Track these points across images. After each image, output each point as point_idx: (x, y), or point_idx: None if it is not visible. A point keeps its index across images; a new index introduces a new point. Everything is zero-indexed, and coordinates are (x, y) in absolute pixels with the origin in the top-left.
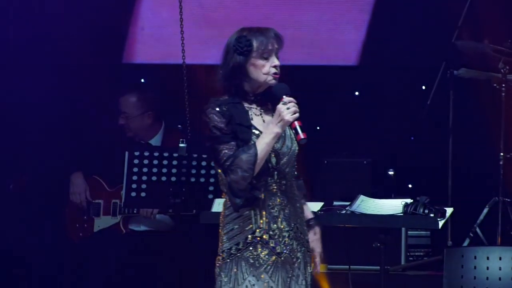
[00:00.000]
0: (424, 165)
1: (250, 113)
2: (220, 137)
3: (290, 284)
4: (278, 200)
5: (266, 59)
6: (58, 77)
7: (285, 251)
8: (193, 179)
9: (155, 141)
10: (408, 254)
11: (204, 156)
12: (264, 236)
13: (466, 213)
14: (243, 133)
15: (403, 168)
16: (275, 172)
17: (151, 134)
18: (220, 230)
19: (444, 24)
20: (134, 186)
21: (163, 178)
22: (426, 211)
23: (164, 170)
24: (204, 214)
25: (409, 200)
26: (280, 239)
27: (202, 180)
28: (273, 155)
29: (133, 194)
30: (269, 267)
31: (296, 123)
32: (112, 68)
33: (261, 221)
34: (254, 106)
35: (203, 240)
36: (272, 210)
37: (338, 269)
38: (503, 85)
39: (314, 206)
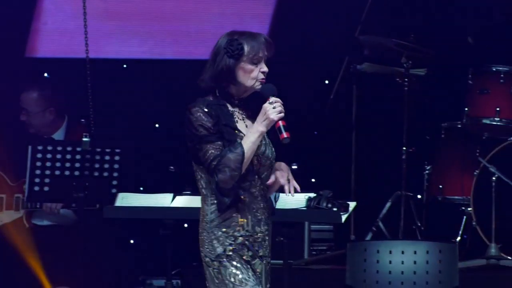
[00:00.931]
0: (327, 159)
1: (234, 116)
2: (206, 136)
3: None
4: (260, 203)
5: (255, 64)
6: None
7: (266, 255)
8: (96, 174)
9: (58, 135)
10: (311, 248)
11: (108, 150)
12: (250, 239)
13: (369, 207)
14: (229, 135)
15: (306, 162)
16: (256, 176)
17: (54, 129)
18: (204, 236)
19: (347, 19)
20: (37, 180)
21: (67, 173)
22: (329, 205)
23: (68, 165)
24: (108, 208)
25: (312, 194)
26: (263, 242)
27: (105, 174)
28: (255, 159)
29: (36, 188)
30: (259, 270)
31: (280, 122)
32: (14, 62)
33: (247, 225)
34: (237, 110)
35: (106, 235)
36: (257, 213)
37: None
38: (406, 79)
39: None
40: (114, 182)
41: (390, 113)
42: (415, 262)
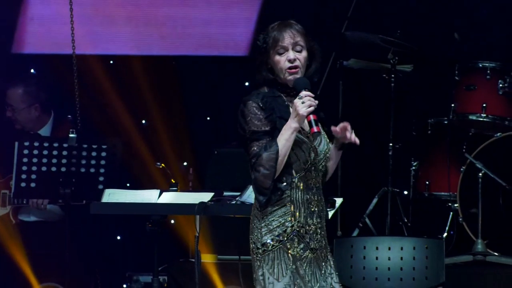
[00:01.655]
0: None
1: (290, 107)
2: (255, 132)
3: (326, 280)
4: (315, 195)
5: (281, 54)
6: None
7: (317, 248)
8: (83, 170)
9: (44, 131)
10: None
11: (94, 146)
12: (301, 231)
13: (355, 203)
14: (283, 126)
15: None
16: (313, 168)
17: (40, 125)
18: (255, 223)
19: (334, 15)
20: (24, 176)
21: (53, 169)
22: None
23: (54, 161)
24: (94, 204)
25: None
26: (314, 235)
27: (92, 170)
28: (312, 151)
29: (23, 184)
30: (304, 262)
31: (311, 116)
32: (0, 58)
33: (299, 215)
34: (293, 100)
35: (93, 230)
36: (310, 205)
37: (228, 259)
38: (392, 75)
39: (204, 197)
40: (101, 178)
41: (376, 109)
42: (401, 258)
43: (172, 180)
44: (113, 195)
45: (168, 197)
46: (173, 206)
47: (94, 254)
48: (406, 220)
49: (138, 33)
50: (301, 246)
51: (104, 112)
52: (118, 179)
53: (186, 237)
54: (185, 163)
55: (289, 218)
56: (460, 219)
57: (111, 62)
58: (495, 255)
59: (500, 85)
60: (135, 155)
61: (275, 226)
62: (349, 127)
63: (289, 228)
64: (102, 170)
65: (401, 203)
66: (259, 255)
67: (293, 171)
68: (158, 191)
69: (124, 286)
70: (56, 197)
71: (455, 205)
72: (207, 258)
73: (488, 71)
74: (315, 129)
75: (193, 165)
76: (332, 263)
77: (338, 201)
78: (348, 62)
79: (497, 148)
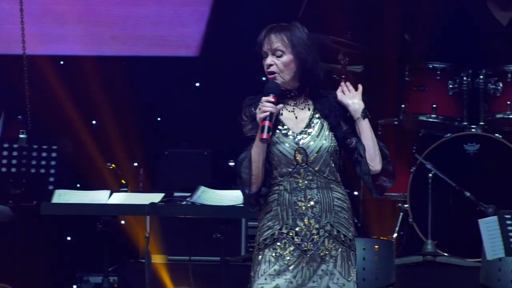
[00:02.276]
0: None
1: (282, 108)
2: (245, 138)
3: (319, 281)
4: (305, 197)
5: (264, 58)
6: None
7: (312, 249)
8: (33, 170)
9: None
10: (248, 245)
11: (45, 147)
12: (290, 233)
13: None
14: None
15: None
16: (302, 170)
17: None
18: (258, 223)
19: (284, 16)
20: None
21: (3, 169)
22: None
23: (4, 161)
24: (45, 205)
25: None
26: (308, 236)
27: (42, 171)
28: (298, 152)
29: None
30: (292, 263)
31: (266, 122)
32: None
33: (287, 218)
34: (289, 101)
35: (43, 231)
36: (298, 207)
37: (178, 260)
38: (343, 76)
39: (155, 197)
40: (51, 179)
41: None
42: None
43: (123, 181)
44: (64, 196)
45: (119, 198)
46: (124, 207)
47: (44, 255)
48: (356, 221)
49: (89, 33)
50: (291, 248)
51: (55, 113)
52: (69, 179)
53: (136, 238)
54: (135, 164)
55: (277, 222)
56: (410, 220)
57: (62, 62)
58: (445, 255)
59: (450, 86)
60: (86, 155)
61: (265, 229)
62: (343, 88)
63: (277, 231)
64: (52, 171)
65: (351, 204)
66: (254, 254)
67: (277, 175)
68: (108, 192)
69: (74, 286)
70: (6, 198)
71: (405, 205)
72: (158, 259)
73: (438, 72)
74: (264, 135)
75: (143, 166)
76: (339, 262)
77: None
78: None
79: (447, 148)
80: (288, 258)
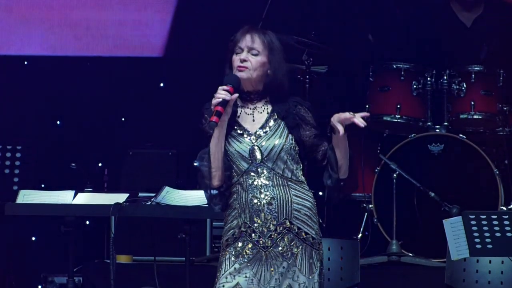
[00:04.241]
0: None
1: (240, 110)
2: (204, 139)
3: (280, 279)
4: (261, 194)
5: (237, 54)
6: None
7: (270, 245)
8: None
9: None
10: (213, 245)
11: (9, 147)
12: (248, 230)
13: None
14: None
15: None
16: (258, 167)
17: None
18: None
19: (248, 16)
20: None
21: None
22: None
23: None
24: (9, 205)
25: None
26: (265, 233)
27: (6, 171)
28: (254, 151)
29: None
30: (251, 261)
31: (218, 108)
32: None
33: (245, 216)
34: (248, 104)
35: (7, 231)
36: (254, 204)
37: (143, 260)
38: (307, 76)
39: (119, 198)
40: (16, 179)
41: None
42: None
43: (87, 181)
44: (28, 196)
45: (83, 198)
46: (88, 207)
47: (8, 255)
48: (321, 221)
49: (53, 34)
50: (249, 245)
51: (19, 113)
52: (33, 180)
53: (101, 238)
54: (100, 164)
55: (236, 221)
56: (375, 220)
57: (26, 63)
58: (410, 255)
59: (414, 86)
60: (50, 156)
61: (227, 229)
62: (343, 116)
63: (237, 230)
64: (16, 171)
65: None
66: (220, 255)
67: (235, 174)
68: (73, 192)
69: (39, 287)
70: None
71: (370, 206)
72: (123, 259)
73: (402, 72)
74: (213, 118)
75: (108, 166)
76: (299, 260)
77: None
78: None
79: (412, 149)
80: (246, 256)
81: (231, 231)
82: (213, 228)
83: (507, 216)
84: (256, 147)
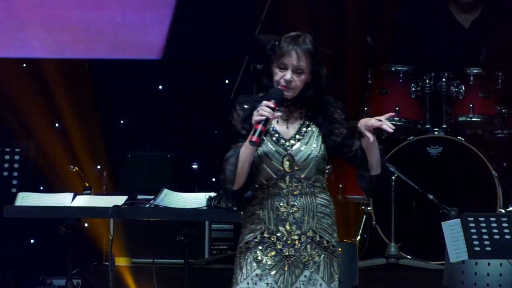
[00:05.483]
0: None
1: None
2: (234, 135)
3: (304, 286)
4: (288, 203)
5: (281, 69)
6: None
7: (293, 254)
8: None
9: None
10: (212, 247)
11: (7, 149)
12: (272, 238)
13: None
14: None
15: (207, 161)
16: (287, 176)
17: None
18: (242, 225)
19: (247, 18)
20: None
21: None
22: (230, 204)
23: None
24: (8, 208)
25: (212, 194)
26: (289, 242)
27: (5, 174)
28: (286, 159)
29: None
30: (274, 268)
31: (259, 125)
32: None
33: (269, 223)
34: (285, 109)
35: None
36: (279, 213)
37: (142, 262)
38: None
39: (118, 200)
40: (14, 182)
41: None
42: None
43: (86, 184)
44: (27, 199)
45: (82, 201)
46: (87, 210)
47: (7, 258)
48: None
49: (51, 36)
50: (272, 253)
51: (18, 116)
52: (32, 182)
53: (100, 240)
54: (98, 166)
55: (259, 226)
56: (374, 222)
57: (24, 65)
58: (408, 258)
59: (413, 89)
60: (49, 158)
61: (247, 232)
62: (371, 123)
63: (259, 235)
64: (15, 174)
65: None
66: (236, 257)
67: (263, 180)
68: (71, 194)
69: None
70: None
71: (369, 208)
72: (121, 262)
73: (401, 75)
74: (254, 138)
75: (107, 168)
76: (322, 268)
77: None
78: (261, 65)
79: (410, 151)
80: (269, 262)
81: (252, 234)
82: (212, 230)
83: (505, 219)
84: (288, 155)
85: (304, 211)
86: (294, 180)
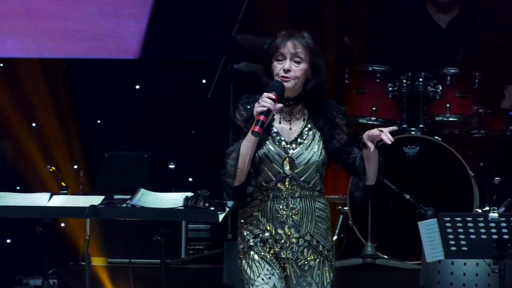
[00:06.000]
0: (204, 158)
1: (277, 116)
2: (236, 132)
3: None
4: (288, 206)
5: (279, 61)
6: None
7: (291, 257)
8: None
9: None
10: (188, 247)
11: None
12: (270, 240)
13: None
14: None
15: (183, 161)
16: (287, 179)
17: None
18: (238, 229)
19: (225, 18)
20: None
21: None
22: (207, 204)
23: None
24: None
25: (189, 194)
26: (287, 245)
27: None
28: (286, 162)
29: None
30: (273, 269)
31: (261, 116)
32: None
33: (268, 224)
34: (287, 110)
35: None
36: (279, 215)
37: (118, 262)
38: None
39: (95, 200)
40: None
41: None
42: None
43: (63, 183)
44: (3, 198)
45: (59, 200)
46: (64, 209)
47: None
48: None
49: (28, 36)
50: (271, 252)
51: None
52: (8, 182)
53: (76, 240)
54: (75, 166)
55: (258, 227)
56: (350, 222)
57: (1, 65)
58: (385, 258)
59: (390, 89)
60: (25, 158)
61: (247, 233)
62: (373, 133)
63: (259, 236)
64: None
65: None
66: (239, 258)
67: (262, 181)
68: (48, 194)
69: None
70: None
71: (345, 208)
72: (98, 261)
73: (378, 75)
74: (256, 128)
75: (83, 168)
76: (316, 272)
77: (229, 204)
78: (238, 65)
79: (387, 151)
80: (271, 262)
81: (252, 235)
82: (188, 230)
83: (482, 219)
84: (289, 159)
85: (303, 215)
86: (293, 183)
